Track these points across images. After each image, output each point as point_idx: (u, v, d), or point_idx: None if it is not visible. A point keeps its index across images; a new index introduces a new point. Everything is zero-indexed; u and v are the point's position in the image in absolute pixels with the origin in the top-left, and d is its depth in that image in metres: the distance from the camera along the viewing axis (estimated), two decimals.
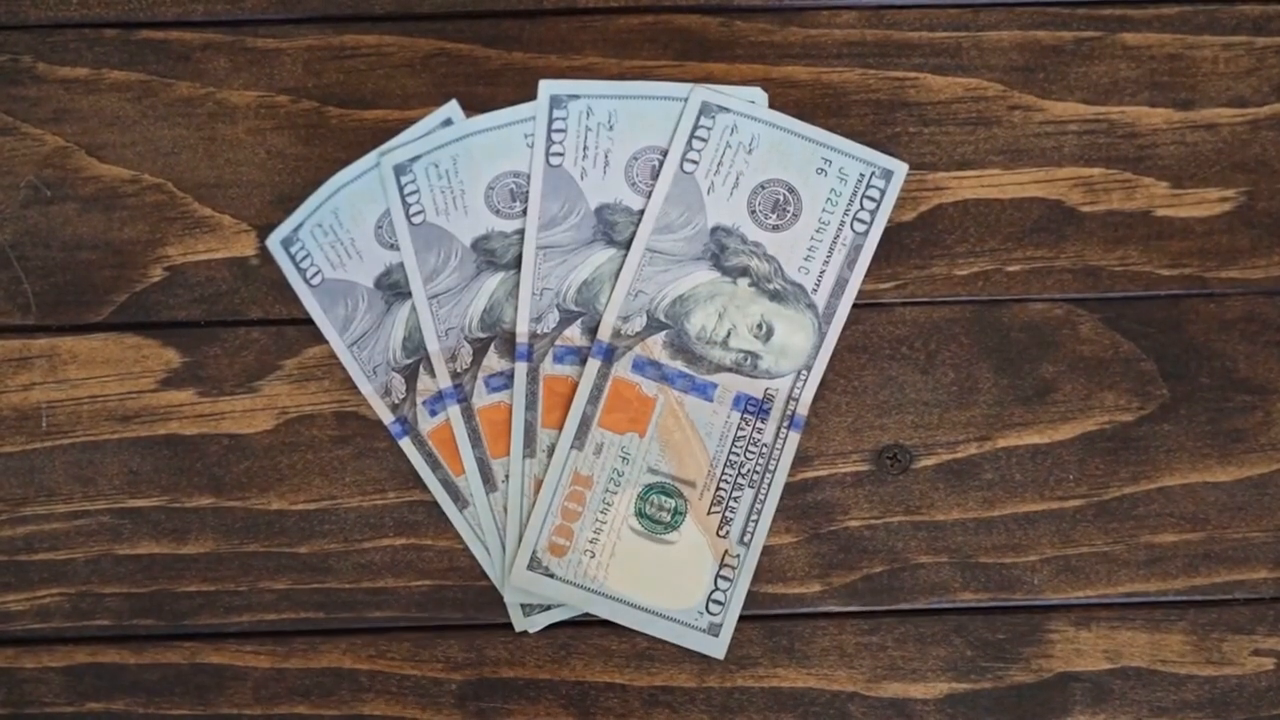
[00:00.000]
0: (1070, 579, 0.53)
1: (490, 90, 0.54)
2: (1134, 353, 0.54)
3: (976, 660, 0.53)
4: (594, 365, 0.52)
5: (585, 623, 0.52)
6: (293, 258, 0.50)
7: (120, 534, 0.53)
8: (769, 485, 0.52)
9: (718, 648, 0.52)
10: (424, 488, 0.53)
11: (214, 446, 0.53)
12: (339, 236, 0.51)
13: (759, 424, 0.52)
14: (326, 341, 0.53)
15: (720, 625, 0.52)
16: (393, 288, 0.52)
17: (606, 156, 0.49)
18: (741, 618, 0.52)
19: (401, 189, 0.50)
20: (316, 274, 0.50)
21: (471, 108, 0.54)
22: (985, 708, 0.53)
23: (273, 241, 0.51)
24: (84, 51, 0.54)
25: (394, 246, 0.51)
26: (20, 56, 0.54)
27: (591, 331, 0.52)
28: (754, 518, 0.52)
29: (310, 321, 0.53)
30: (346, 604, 0.53)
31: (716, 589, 0.52)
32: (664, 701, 0.52)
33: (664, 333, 0.52)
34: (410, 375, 0.52)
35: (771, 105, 0.53)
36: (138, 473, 0.53)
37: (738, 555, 0.52)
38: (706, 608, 0.52)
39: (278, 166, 0.54)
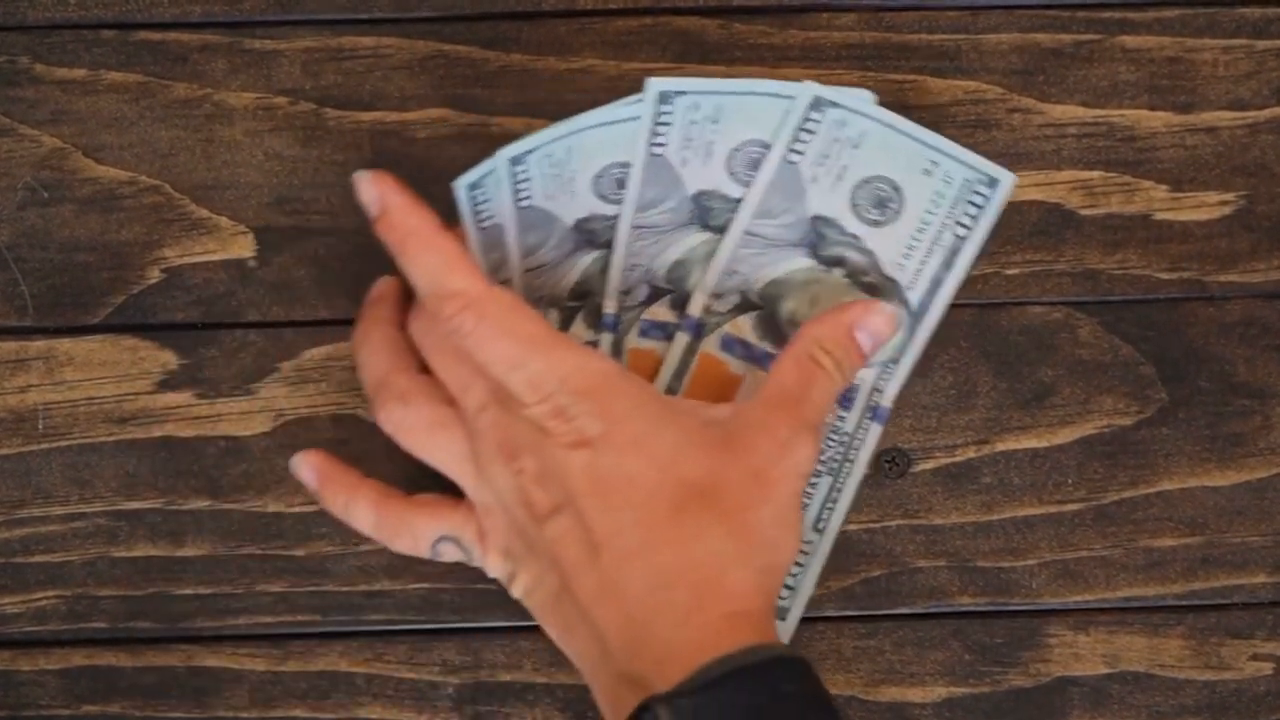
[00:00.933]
0: (1068, 583, 0.53)
1: (488, 92, 0.54)
2: (1133, 356, 0.54)
3: (975, 664, 0.53)
4: (682, 340, 0.51)
5: None
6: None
7: (117, 536, 0.53)
8: (846, 474, 0.51)
9: (784, 632, 0.51)
10: (421, 489, 0.53)
11: (211, 449, 0.53)
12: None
13: (841, 413, 0.51)
14: (324, 344, 0.53)
15: (788, 610, 0.51)
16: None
17: (709, 148, 0.48)
18: None
19: (514, 177, 0.49)
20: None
21: (470, 109, 0.54)
22: (984, 712, 0.53)
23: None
24: (81, 53, 0.54)
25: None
26: (17, 57, 0.54)
27: (680, 308, 0.51)
28: (829, 505, 0.51)
29: (308, 323, 0.53)
30: (344, 606, 0.53)
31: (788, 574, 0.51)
32: None
33: (755, 313, 0.51)
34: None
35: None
36: (134, 475, 0.53)
37: (810, 541, 0.51)
38: None
39: (275, 168, 0.54)
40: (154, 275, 0.53)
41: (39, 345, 0.53)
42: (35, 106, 0.54)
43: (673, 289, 0.51)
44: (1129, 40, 0.55)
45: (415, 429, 0.48)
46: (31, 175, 0.53)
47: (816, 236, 0.50)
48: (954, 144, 0.48)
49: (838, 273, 0.50)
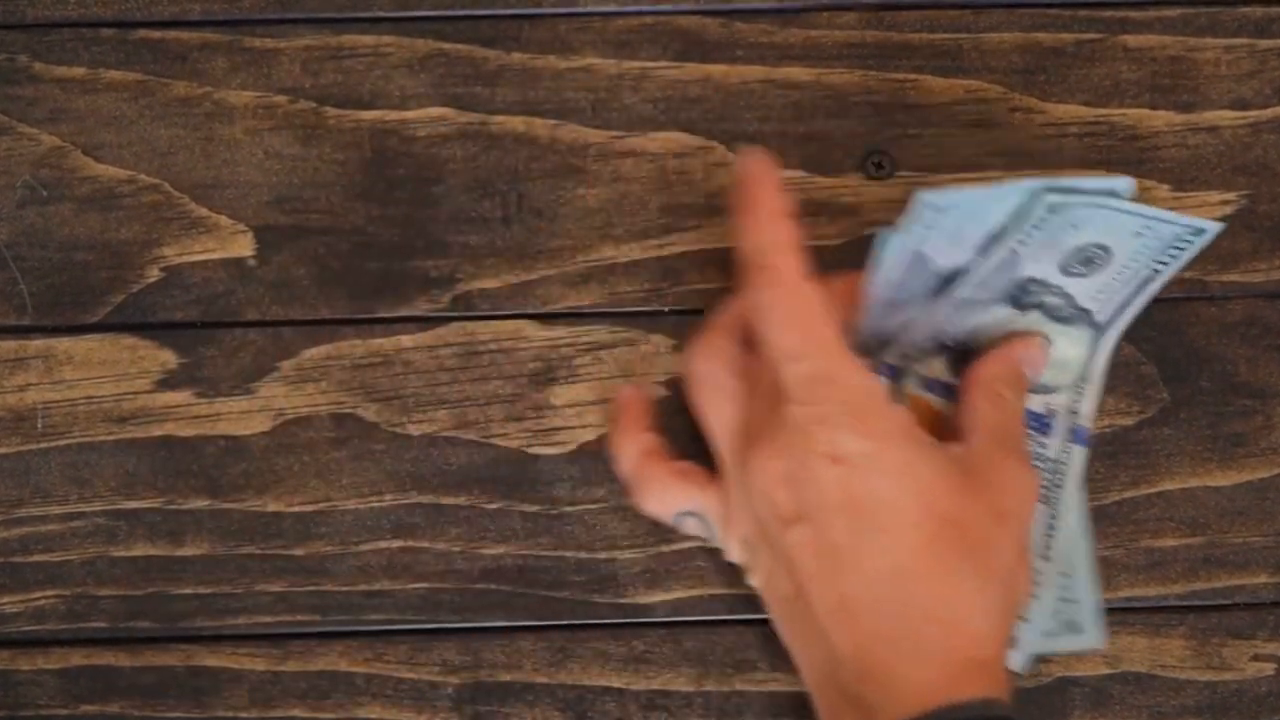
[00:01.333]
0: None
1: (488, 91, 0.54)
2: (1134, 356, 0.54)
3: None
4: (885, 384, 0.51)
5: (581, 625, 0.52)
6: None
7: (116, 536, 0.52)
8: (1057, 501, 0.51)
9: (1016, 659, 0.50)
10: (421, 490, 0.53)
11: (210, 448, 0.53)
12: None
13: (1041, 439, 0.51)
14: (324, 343, 0.53)
15: (1019, 639, 0.50)
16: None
17: (960, 238, 0.47)
18: (741, 621, 0.52)
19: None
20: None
21: (470, 108, 0.54)
22: None
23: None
24: (81, 51, 0.54)
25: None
26: (16, 56, 0.54)
27: (875, 354, 0.51)
28: (1049, 533, 0.51)
29: (308, 323, 0.53)
30: (343, 606, 0.52)
31: None
32: (661, 705, 0.52)
33: (947, 354, 0.51)
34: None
35: (769, 107, 0.53)
36: (134, 474, 0.53)
37: (1040, 571, 0.50)
38: None
39: (275, 167, 0.54)
40: (153, 274, 0.53)
41: (38, 344, 0.53)
42: (34, 105, 0.54)
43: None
44: (1130, 39, 0.55)
45: (705, 385, 0.48)
46: (30, 174, 0.53)
47: (1021, 292, 0.49)
48: (1175, 214, 0.47)
49: (1034, 314, 0.50)
